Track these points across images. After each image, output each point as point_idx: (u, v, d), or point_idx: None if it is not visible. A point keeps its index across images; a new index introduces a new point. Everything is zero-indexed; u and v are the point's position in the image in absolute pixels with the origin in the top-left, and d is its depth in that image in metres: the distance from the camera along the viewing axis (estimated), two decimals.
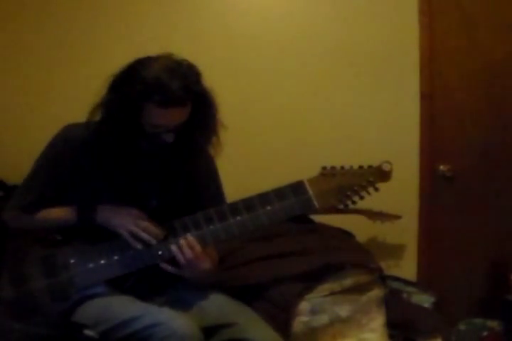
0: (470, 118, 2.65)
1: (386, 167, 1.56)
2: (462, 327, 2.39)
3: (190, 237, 1.56)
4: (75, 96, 2.72)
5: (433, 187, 2.69)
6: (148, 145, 1.60)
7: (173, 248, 1.56)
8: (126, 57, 1.54)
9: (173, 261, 1.58)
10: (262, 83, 2.73)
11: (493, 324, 2.38)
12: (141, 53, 1.56)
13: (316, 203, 1.55)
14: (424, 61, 2.64)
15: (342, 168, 1.58)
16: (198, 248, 1.56)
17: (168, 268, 1.57)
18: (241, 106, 2.63)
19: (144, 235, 1.57)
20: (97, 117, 1.58)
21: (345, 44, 2.69)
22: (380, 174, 1.56)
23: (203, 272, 1.60)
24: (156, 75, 1.47)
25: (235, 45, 2.73)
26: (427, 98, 2.65)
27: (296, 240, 2.30)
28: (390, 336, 2.18)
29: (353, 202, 1.58)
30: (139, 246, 1.57)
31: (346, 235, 2.49)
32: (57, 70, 2.82)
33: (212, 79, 1.57)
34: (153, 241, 1.57)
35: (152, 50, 1.57)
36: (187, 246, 1.55)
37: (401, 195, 2.56)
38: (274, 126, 2.74)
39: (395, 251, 2.71)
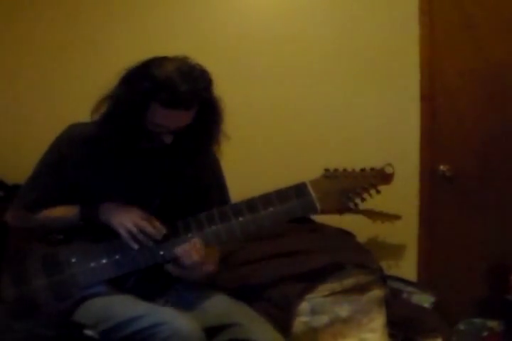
0: (470, 118, 2.65)
1: (388, 170, 1.57)
2: (462, 327, 2.38)
3: (196, 240, 1.56)
4: (76, 97, 2.74)
5: (433, 187, 2.69)
6: (149, 144, 1.60)
7: (179, 250, 1.55)
8: (129, 59, 1.54)
9: (175, 262, 1.58)
10: (264, 84, 2.73)
11: (493, 324, 2.38)
12: (144, 54, 1.56)
13: (318, 205, 1.56)
14: (424, 61, 2.64)
15: (344, 170, 1.58)
16: (203, 251, 1.55)
17: (173, 270, 1.57)
18: (242, 107, 2.63)
19: (141, 236, 1.56)
20: (103, 110, 1.57)
21: (345, 44, 2.69)
22: (382, 176, 1.57)
23: (205, 274, 1.60)
24: (167, 75, 1.47)
25: (236, 47, 2.73)
26: (427, 98, 2.65)
27: (296, 240, 2.30)
28: (391, 336, 2.19)
29: (355, 205, 1.59)
30: (136, 246, 1.56)
31: (346, 235, 2.49)
32: (59, 70, 2.83)
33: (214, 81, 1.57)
34: (150, 243, 1.56)
35: (155, 51, 1.57)
36: (193, 249, 1.54)
37: (401, 195, 2.55)
38: (276, 127, 2.74)
39: (395, 251, 2.71)
